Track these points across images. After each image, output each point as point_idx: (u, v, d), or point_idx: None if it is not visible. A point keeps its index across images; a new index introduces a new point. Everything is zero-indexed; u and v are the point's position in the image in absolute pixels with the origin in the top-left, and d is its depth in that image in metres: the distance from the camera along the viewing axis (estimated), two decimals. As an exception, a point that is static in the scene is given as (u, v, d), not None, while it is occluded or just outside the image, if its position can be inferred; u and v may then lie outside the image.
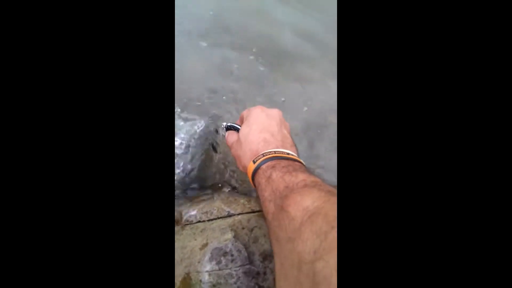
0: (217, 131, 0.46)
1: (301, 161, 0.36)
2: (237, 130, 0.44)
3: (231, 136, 0.43)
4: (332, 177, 0.57)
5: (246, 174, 0.38)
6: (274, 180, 0.31)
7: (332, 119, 0.65)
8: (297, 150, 0.39)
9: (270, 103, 0.65)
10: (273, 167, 0.33)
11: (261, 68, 0.70)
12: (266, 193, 0.32)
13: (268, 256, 0.36)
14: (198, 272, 0.35)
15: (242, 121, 0.43)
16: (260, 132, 0.37)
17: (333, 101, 0.68)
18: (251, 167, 0.35)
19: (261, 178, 0.34)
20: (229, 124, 0.46)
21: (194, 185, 0.48)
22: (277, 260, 0.28)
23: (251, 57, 0.71)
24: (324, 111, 0.66)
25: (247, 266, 0.35)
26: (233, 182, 0.50)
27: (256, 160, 0.35)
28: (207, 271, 0.34)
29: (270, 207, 0.31)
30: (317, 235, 0.23)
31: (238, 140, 0.39)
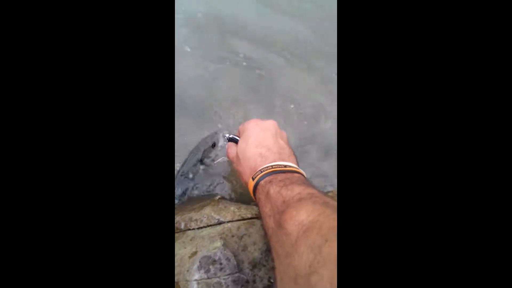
0: (214, 145, 0.46)
1: (300, 170, 0.36)
2: (237, 142, 0.44)
3: (231, 150, 0.43)
4: (325, 183, 0.57)
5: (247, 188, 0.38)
6: (272, 196, 0.32)
7: (323, 125, 0.66)
8: (296, 158, 0.39)
9: (264, 108, 0.65)
10: (270, 182, 0.33)
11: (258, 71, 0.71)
12: (266, 209, 0.32)
13: (257, 264, 0.36)
14: (187, 281, 0.34)
15: (240, 134, 0.43)
16: (256, 147, 0.37)
17: (326, 105, 0.68)
18: (251, 184, 0.36)
19: (260, 194, 0.34)
20: (230, 136, 0.46)
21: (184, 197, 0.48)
22: (277, 274, 0.29)
23: (244, 64, 0.72)
24: (315, 116, 0.66)
25: (236, 275, 0.35)
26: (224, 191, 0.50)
27: (255, 177, 0.35)
28: (195, 280, 0.34)
29: (270, 223, 0.31)
30: (312, 249, 0.24)
31: (237, 155, 0.39)
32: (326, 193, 0.32)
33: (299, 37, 0.82)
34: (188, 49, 0.71)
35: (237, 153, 0.40)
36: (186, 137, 0.54)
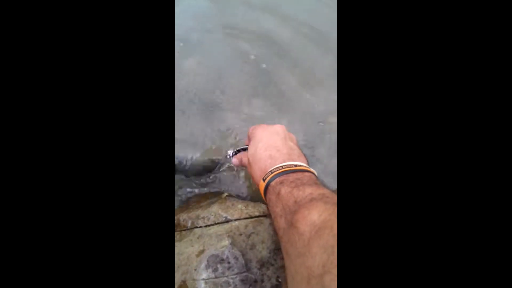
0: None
1: (311, 170, 0.36)
2: (246, 150, 0.44)
3: (243, 157, 0.43)
4: (332, 182, 0.56)
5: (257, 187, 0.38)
6: (283, 196, 0.32)
7: (333, 120, 0.65)
8: (306, 159, 0.39)
9: (270, 106, 0.64)
10: (281, 183, 0.33)
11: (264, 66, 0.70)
12: (277, 209, 0.32)
13: (265, 263, 0.36)
14: (194, 279, 0.34)
15: (249, 139, 0.44)
16: (265, 149, 0.38)
17: (334, 103, 0.67)
18: (262, 185, 0.36)
19: (271, 195, 0.34)
20: (235, 150, 0.47)
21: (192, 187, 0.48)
22: (288, 273, 0.29)
23: (252, 57, 0.71)
24: (324, 113, 0.65)
25: (244, 274, 0.34)
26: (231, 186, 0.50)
27: (265, 178, 0.35)
28: (203, 279, 0.34)
29: (281, 223, 0.31)
30: (325, 249, 0.24)
31: (248, 160, 0.40)
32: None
33: (306, 33, 0.81)
34: (181, 44, 0.70)
35: (247, 156, 0.40)
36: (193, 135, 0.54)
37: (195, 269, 0.34)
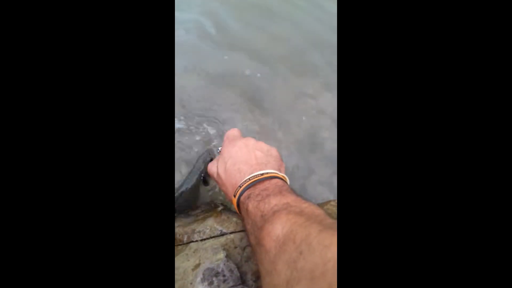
0: (212, 160, 0.47)
1: (280, 175, 0.36)
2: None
3: (212, 169, 0.42)
4: (327, 192, 0.56)
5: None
6: (251, 212, 0.32)
7: (326, 134, 0.66)
8: (278, 163, 0.38)
9: (265, 117, 0.66)
10: (248, 197, 0.33)
11: (258, 75, 0.72)
12: (248, 226, 0.32)
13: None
14: (190, 294, 0.34)
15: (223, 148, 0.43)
16: (234, 164, 0.37)
17: (328, 115, 0.68)
18: (234, 202, 0.36)
19: (242, 211, 0.34)
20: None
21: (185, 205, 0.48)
22: None
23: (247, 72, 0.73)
24: (318, 125, 0.67)
25: (240, 286, 0.34)
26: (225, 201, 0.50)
27: (236, 194, 0.35)
28: (199, 293, 0.34)
29: (252, 240, 0.31)
30: (288, 264, 0.24)
31: (219, 176, 0.39)
32: (305, 200, 0.30)
33: (300, 44, 0.83)
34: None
35: (218, 173, 0.39)
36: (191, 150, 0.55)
37: (191, 283, 0.35)
